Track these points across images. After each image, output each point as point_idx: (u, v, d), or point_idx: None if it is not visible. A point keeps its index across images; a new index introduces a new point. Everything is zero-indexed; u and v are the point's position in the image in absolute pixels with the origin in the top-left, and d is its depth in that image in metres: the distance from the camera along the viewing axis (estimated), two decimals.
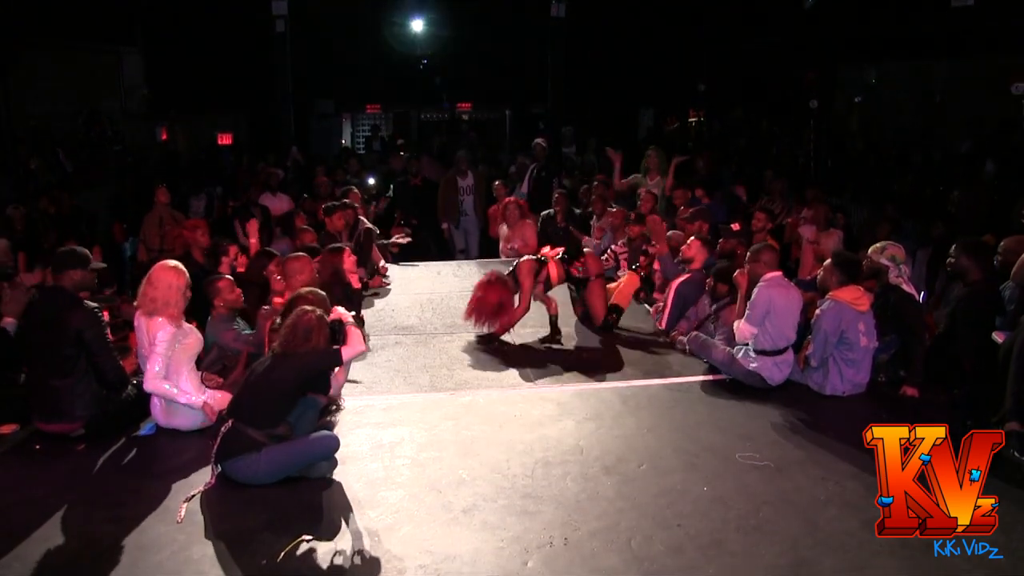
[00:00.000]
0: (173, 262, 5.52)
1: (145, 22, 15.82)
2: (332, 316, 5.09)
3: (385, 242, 9.92)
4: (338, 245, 7.61)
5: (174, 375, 5.25)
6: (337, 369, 5.27)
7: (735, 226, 7.96)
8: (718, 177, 12.29)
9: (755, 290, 6.07)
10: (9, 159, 11.70)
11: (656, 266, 8.38)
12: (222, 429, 4.61)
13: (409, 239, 10.14)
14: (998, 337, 5.74)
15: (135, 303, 5.41)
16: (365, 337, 6.46)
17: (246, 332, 5.98)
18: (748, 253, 6.39)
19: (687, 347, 6.79)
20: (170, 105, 16.71)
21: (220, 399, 5.33)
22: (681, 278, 7.47)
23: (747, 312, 6.05)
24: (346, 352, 4.94)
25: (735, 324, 6.15)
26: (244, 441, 4.54)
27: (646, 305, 8.20)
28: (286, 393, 4.72)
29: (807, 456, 4.94)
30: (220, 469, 4.61)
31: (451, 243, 11.99)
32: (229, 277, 6.14)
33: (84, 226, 10.70)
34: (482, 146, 17.28)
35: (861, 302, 5.85)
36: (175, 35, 16.01)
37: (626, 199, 10.68)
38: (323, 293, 5.67)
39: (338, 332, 5.01)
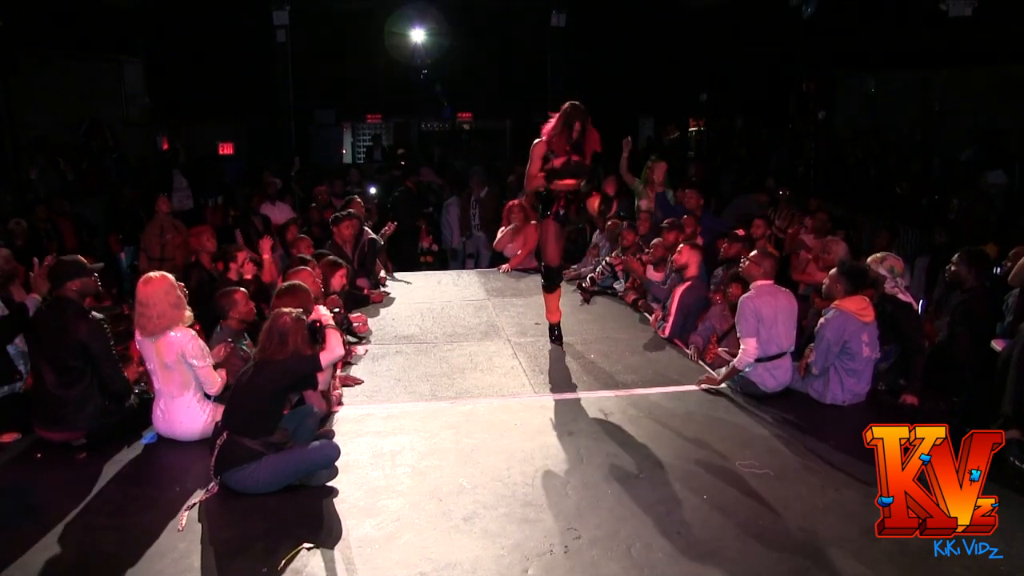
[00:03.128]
0: (148, 274, 5.48)
1: (146, 32, 15.84)
2: (312, 316, 5.06)
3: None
4: (337, 260, 7.68)
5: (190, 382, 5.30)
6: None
7: (740, 231, 7.98)
8: (715, 185, 12.33)
9: (740, 302, 6.09)
10: (10, 169, 11.73)
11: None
12: (218, 442, 4.62)
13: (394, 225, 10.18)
14: (997, 345, 5.76)
15: (136, 330, 5.39)
16: (346, 341, 6.51)
17: (246, 350, 6.00)
18: (751, 254, 6.38)
19: (695, 355, 6.92)
20: (171, 115, 16.74)
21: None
22: (683, 286, 7.49)
23: (738, 329, 6.07)
24: (324, 357, 4.89)
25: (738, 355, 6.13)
26: (241, 452, 4.54)
27: (645, 314, 8.21)
28: (270, 400, 4.69)
29: (806, 464, 4.95)
30: (220, 480, 4.61)
31: (461, 252, 12.05)
32: (244, 290, 6.10)
33: (85, 235, 10.72)
34: (483, 155, 17.34)
35: (866, 313, 5.84)
36: (176, 45, 16.04)
37: (623, 202, 10.72)
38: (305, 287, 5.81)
39: (317, 333, 4.96)
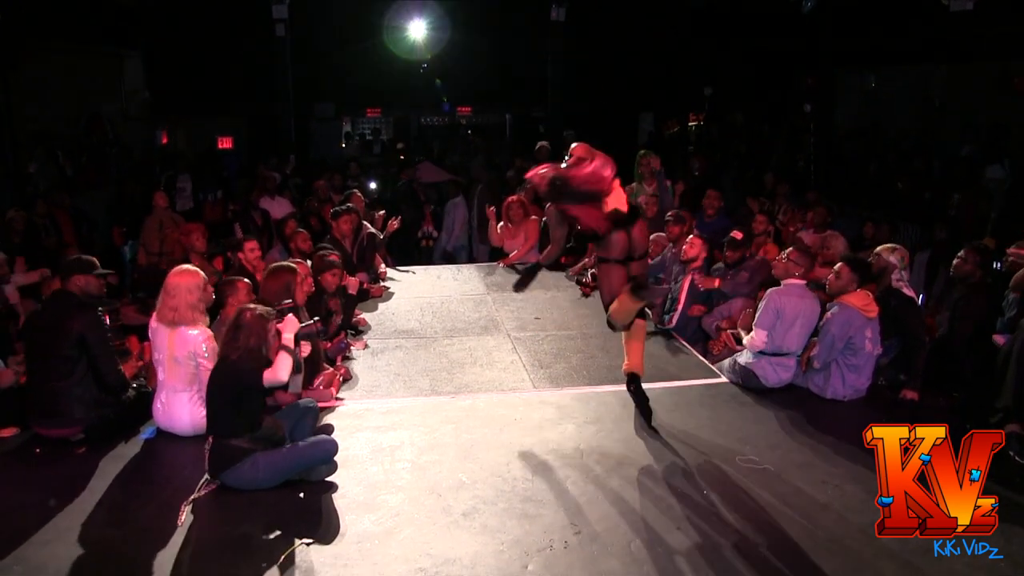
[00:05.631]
0: (185, 265, 5.54)
1: (146, 26, 15.80)
2: (274, 328, 4.76)
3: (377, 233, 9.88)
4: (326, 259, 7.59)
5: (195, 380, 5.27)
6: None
7: (737, 234, 7.89)
8: (716, 180, 12.31)
9: (768, 293, 6.09)
10: (10, 163, 11.71)
11: None
12: (206, 446, 4.61)
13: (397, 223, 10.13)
14: (998, 340, 5.77)
15: (155, 313, 5.40)
16: (342, 349, 6.55)
17: None
18: (788, 251, 6.30)
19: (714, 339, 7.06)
20: (171, 109, 16.72)
21: None
22: (690, 278, 7.53)
23: (756, 317, 6.08)
24: (266, 375, 4.61)
25: (746, 337, 6.17)
26: (230, 452, 4.52)
27: (645, 309, 8.19)
28: (234, 401, 4.56)
29: (807, 460, 4.94)
30: (219, 480, 4.59)
31: (466, 250, 12.07)
32: (247, 281, 6.07)
33: (84, 229, 10.70)
34: (481, 149, 17.35)
35: (870, 309, 5.82)
36: (176, 38, 16.00)
37: None
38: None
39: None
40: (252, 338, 4.58)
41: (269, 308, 4.79)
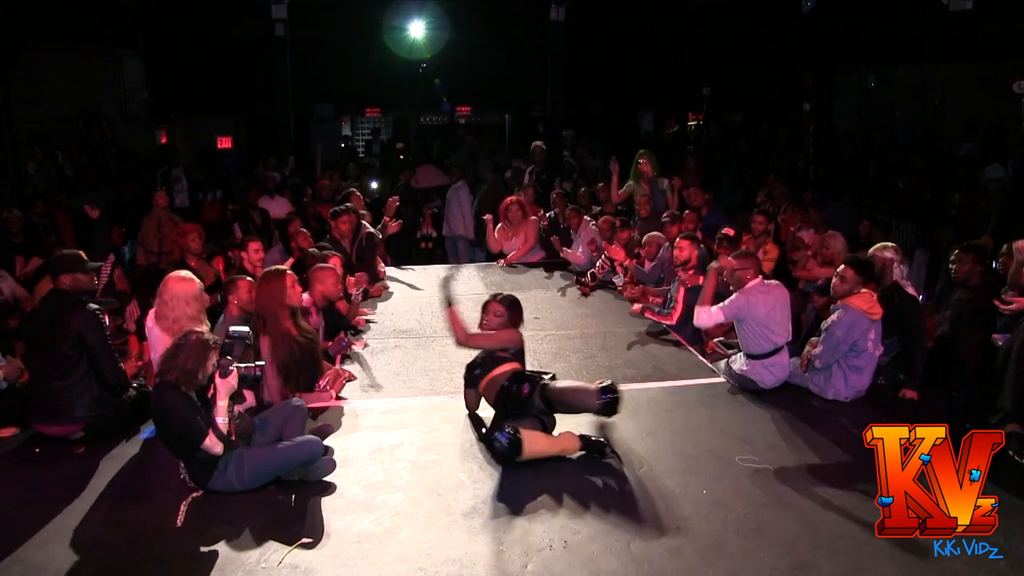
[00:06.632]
0: (182, 272, 5.53)
1: (145, 25, 15.82)
2: (217, 362, 4.53)
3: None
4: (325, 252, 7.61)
5: None
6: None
7: (729, 231, 7.83)
8: (714, 180, 12.33)
9: (739, 293, 6.11)
10: (8, 162, 11.72)
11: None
12: (180, 467, 4.58)
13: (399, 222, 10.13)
14: (997, 340, 5.77)
15: (152, 312, 5.42)
16: (343, 348, 6.54)
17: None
18: (736, 257, 6.35)
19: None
20: (170, 108, 16.72)
21: None
22: (687, 276, 7.55)
23: (726, 300, 6.12)
24: (205, 443, 4.41)
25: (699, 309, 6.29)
26: (203, 465, 4.49)
27: (646, 307, 8.19)
28: (168, 429, 4.44)
29: (806, 459, 4.94)
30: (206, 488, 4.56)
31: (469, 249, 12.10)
32: (249, 279, 6.08)
33: (83, 230, 10.70)
34: (476, 148, 17.37)
35: (875, 311, 5.80)
36: (175, 38, 16.03)
37: (621, 203, 10.73)
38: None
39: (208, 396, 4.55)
40: (190, 361, 4.44)
41: (216, 337, 4.66)
